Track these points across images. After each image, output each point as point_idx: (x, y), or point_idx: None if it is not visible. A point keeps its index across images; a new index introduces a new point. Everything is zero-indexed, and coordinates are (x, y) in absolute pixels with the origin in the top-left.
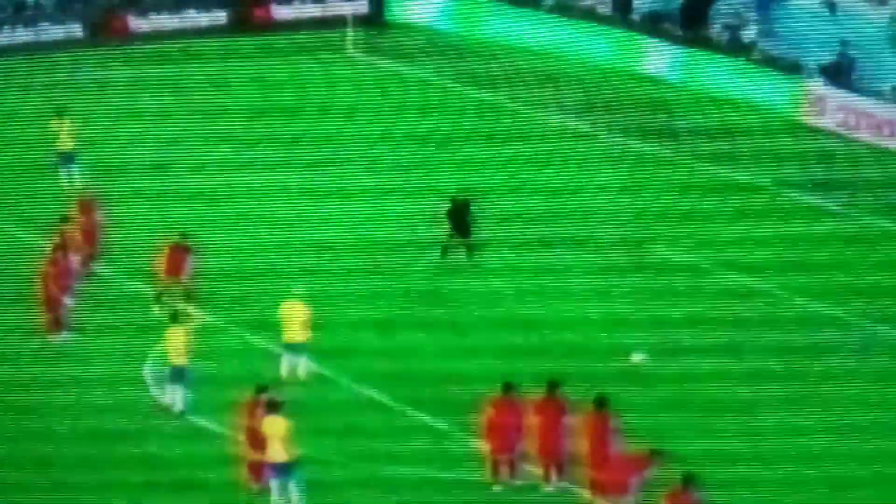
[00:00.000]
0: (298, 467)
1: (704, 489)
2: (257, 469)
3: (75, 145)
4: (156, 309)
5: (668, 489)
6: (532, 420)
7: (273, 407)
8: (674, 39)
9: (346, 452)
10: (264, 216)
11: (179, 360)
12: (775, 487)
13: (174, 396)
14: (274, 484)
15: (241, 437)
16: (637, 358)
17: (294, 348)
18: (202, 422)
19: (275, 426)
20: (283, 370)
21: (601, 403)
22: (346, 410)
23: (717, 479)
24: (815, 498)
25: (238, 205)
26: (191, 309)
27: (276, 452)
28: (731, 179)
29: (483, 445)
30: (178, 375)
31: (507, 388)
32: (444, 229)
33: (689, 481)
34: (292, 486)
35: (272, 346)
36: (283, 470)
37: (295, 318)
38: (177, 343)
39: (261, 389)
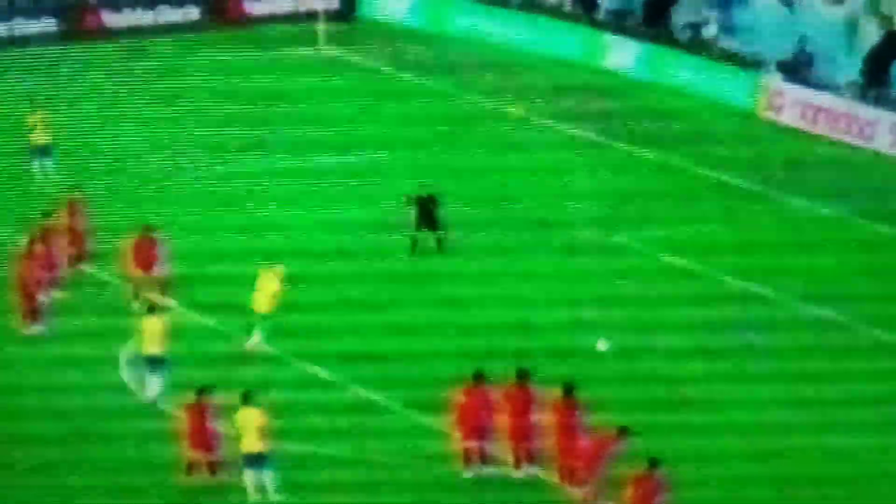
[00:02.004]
0: (272, 458)
1: (668, 468)
2: (198, 467)
3: (50, 139)
4: (135, 305)
5: (634, 473)
6: (503, 408)
7: (247, 398)
8: (638, 36)
9: (301, 431)
10: (229, 199)
11: (155, 349)
12: (735, 461)
13: (149, 386)
14: (249, 475)
15: (184, 438)
16: (602, 346)
17: (260, 318)
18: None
19: (249, 417)
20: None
21: (569, 390)
22: (297, 388)
23: (679, 453)
24: (767, 468)
25: (208, 188)
26: (166, 300)
27: (251, 443)
28: (690, 172)
29: (454, 433)
30: (153, 365)
31: (478, 377)
32: (410, 220)
33: (655, 464)
34: (266, 477)
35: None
36: (257, 461)
37: (265, 289)
38: (153, 333)
39: (203, 391)
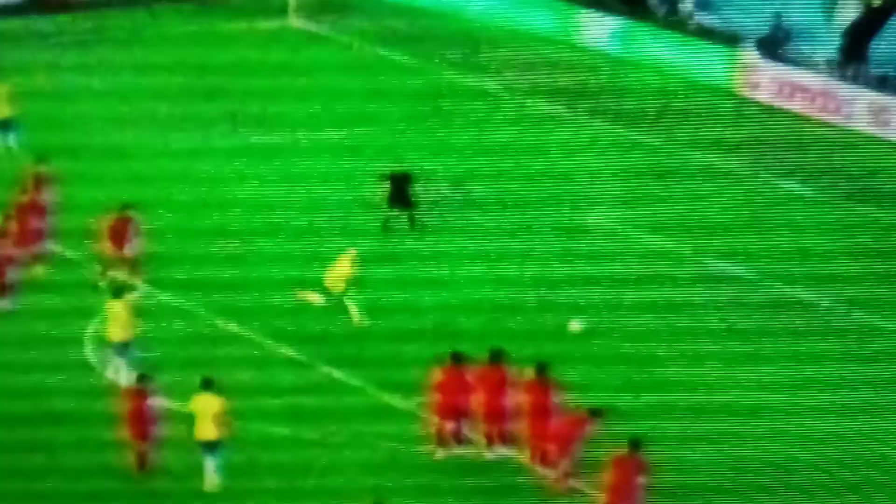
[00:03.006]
0: (224, 447)
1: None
2: (143, 457)
3: (14, 112)
4: (102, 284)
5: (615, 454)
6: (477, 388)
7: (207, 385)
8: (612, 11)
9: (270, 412)
10: (198, 175)
11: (122, 334)
12: (711, 439)
13: (117, 370)
14: (207, 462)
15: (125, 425)
16: (576, 326)
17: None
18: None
19: (206, 404)
20: None
21: (542, 369)
22: (266, 369)
23: (646, 433)
24: (745, 450)
25: (176, 164)
26: (136, 281)
27: (206, 430)
28: (665, 149)
29: (429, 413)
30: (120, 350)
31: (456, 357)
32: (382, 197)
33: (636, 446)
34: (210, 464)
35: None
36: (211, 448)
37: (340, 270)
38: (118, 318)
39: (143, 378)
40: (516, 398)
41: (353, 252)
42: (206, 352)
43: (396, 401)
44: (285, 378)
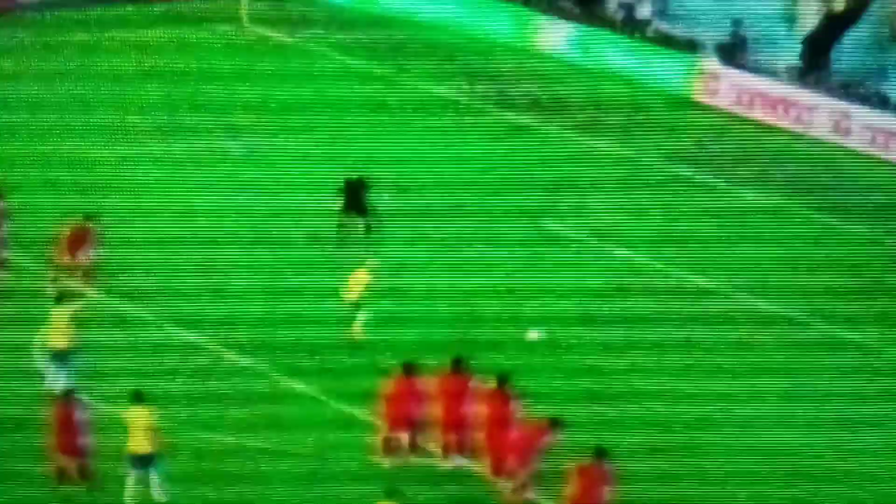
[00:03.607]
0: (160, 459)
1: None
2: (64, 472)
3: None
4: (50, 291)
5: (579, 462)
6: (436, 394)
7: (138, 397)
8: (570, 16)
9: (228, 422)
10: (156, 184)
11: (62, 342)
12: (673, 452)
13: (56, 379)
14: (132, 475)
15: (52, 439)
16: (533, 335)
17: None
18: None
19: (137, 416)
20: None
21: (503, 380)
22: (222, 378)
23: (613, 445)
24: (709, 463)
25: (130, 172)
26: (87, 290)
27: (138, 444)
28: (622, 156)
29: (380, 422)
30: (60, 358)
31: (408, 368)
32: (338, 206)
33: (601, 454)
34: (153, 478)
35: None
36: (145, 461)
37: (358, 280)
38: (60, 324)
39: (68, 392)
40: (476, 408)
41: (370, 263)
42: (162, 361)
43: (351, 410)
44: (245, 387)
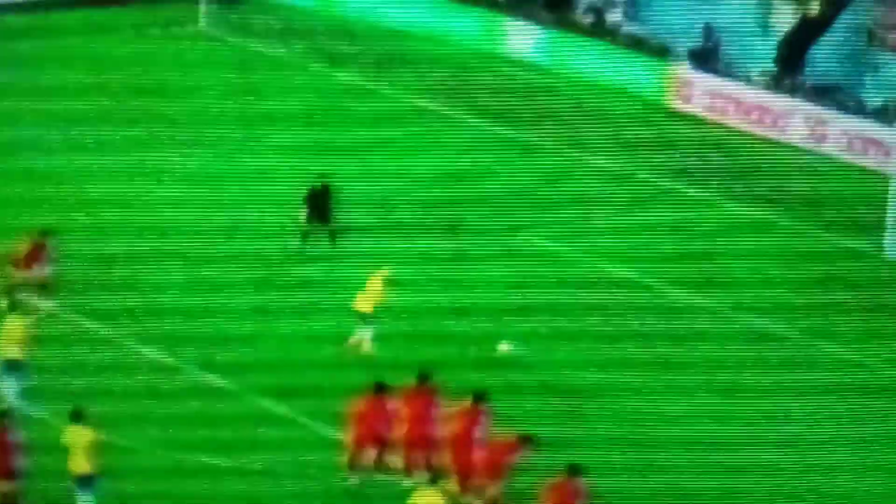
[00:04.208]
0: (99, 480)
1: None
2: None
3: None
4: (2, 303)
5: (552, 479)
6: (402, 411)
7: (77, 417)
8: (537, 20)
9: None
10: (112, 199)
11: (14, 352)
12: (648, 470)
13: (7, 390)
14: (80, 497)
15: None
16: (504, 347)
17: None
18: (42, 414)
19: (78, 436)
20: None
21: (478, 398)
22: (188, 397)
23: (586, 462)
24: (682, 481)
25: (84, 187)
26: (42, 302)
27: (78, 464)
28: (595, 165)
29: (347, 441)
30: (11, 368)
31: (379, 387)
32: (301, 214)
33: (574, 471)
34: (87, 500)
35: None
36: (85, 482)
37: (372, 291)
38: (13, 335)
39: (4, 413)
40: (443, 424)
41: (384, 272)
42: (123, 380)
43: (320, 429)
44: (213, 407)
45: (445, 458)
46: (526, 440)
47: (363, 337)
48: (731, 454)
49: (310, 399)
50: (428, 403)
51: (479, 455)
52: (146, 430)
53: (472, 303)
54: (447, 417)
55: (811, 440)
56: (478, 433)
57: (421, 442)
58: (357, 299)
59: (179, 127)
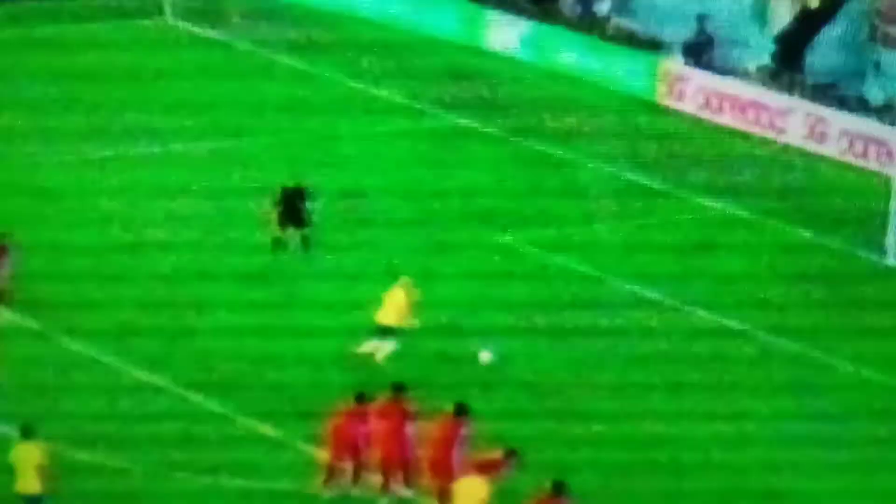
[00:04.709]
0: (50, 501)
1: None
2: None
3: None
4: None
5: (536, 495)
6: (375, 425)
7: (27, 433)
8: (522, 13)
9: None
10: (68, 189)
11: None
12: (611, 470)
13: None
14: None
15: None
16: (485, 356)
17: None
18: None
19: (26, 454)
20: None
21: (460, 411)
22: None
23: (537, 461)
24: (659, 482)
25: (40, 178)
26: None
27: (27, 484)
28: (581, 164)
29: (324, 452)
30: None
31: (359, 398)
32: (272, 219)
33: (559, 488)
34: None
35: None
36: (33, 502)
37: (394, 301)
38: None
39: None
40: (420, 440)
41: (404, 280)
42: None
43: (300, 447)
44: (151, 407)
45: (423, 477)
46: (511, 455)
47: (379, 347)
48: (679, 452)
49: (289, 418)
50: (402, 418)
51: (459, 474)
52: (117, 450)
53: (449, 298)
54: (425, 433)
55: (763, 438)
56: (458, 450)
57: (396, 459)
58: (380, 313)
59: (140, 114)
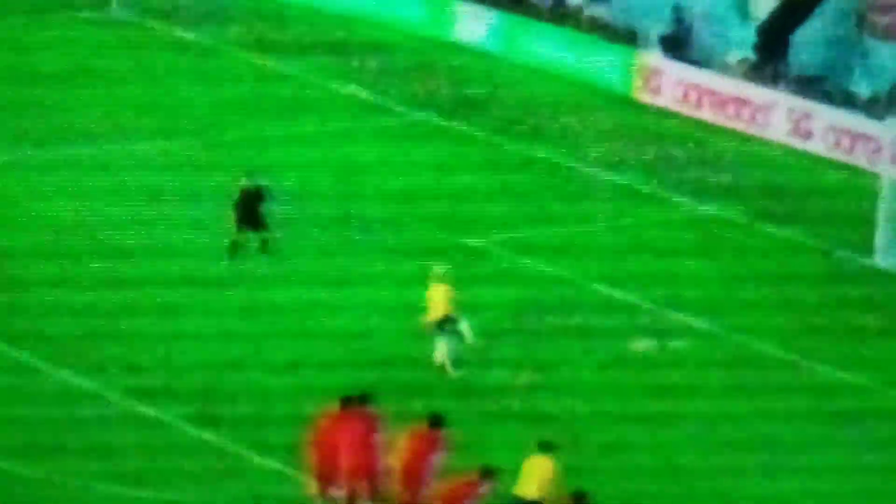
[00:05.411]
0: None
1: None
2: None
3: None
4: None
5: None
6: (339, 437)
7: None
8: (491, 3)
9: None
10: (20, 193)
11: None
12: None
13: None
14: None
15: None
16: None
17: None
18: None
19: None
20: None
21: (435, 423)
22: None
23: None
24: (637, 485)
25: None
26: None
27: None
28: (554, 162)
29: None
30: None
31: (345, 402)
32: (229, 223)
33: (579, 499)
34: None
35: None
36: None
37: (437, 299)
38: None
39: None
40: (388, 453)
41: (439, 271)
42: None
43: (254, 458)
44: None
45: (393, 492)
46: (488, 473)
47: (443, 346)
48: (657, 456)
49: (243, 427)
50: (367, 429)
51: (433, 491)
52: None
53: (416, 303)
54: (394, 445)
55: (742, 441)
56: (431, 464)
57: (361, 472)
58: (427, 316)
59: (82, 115)
